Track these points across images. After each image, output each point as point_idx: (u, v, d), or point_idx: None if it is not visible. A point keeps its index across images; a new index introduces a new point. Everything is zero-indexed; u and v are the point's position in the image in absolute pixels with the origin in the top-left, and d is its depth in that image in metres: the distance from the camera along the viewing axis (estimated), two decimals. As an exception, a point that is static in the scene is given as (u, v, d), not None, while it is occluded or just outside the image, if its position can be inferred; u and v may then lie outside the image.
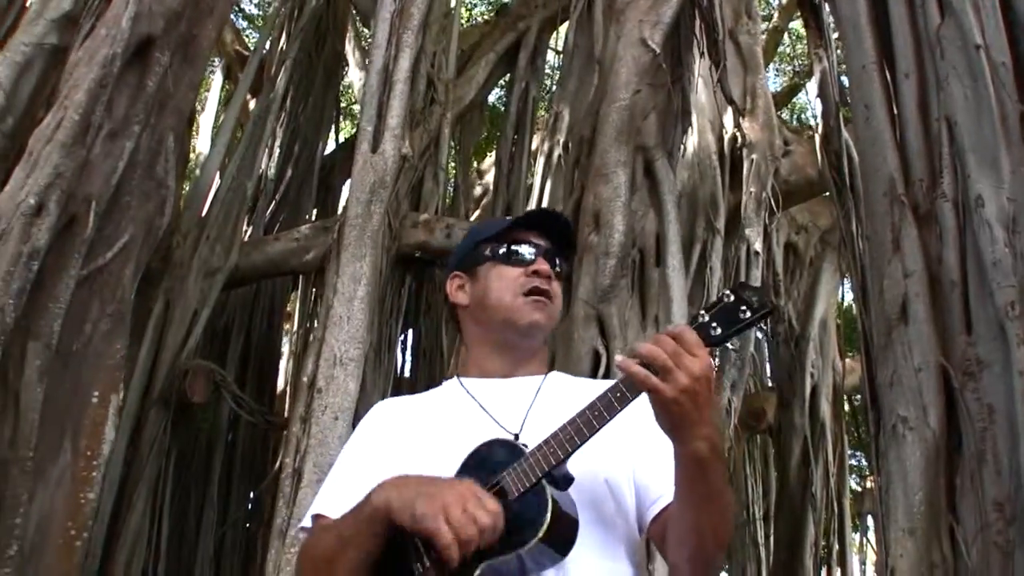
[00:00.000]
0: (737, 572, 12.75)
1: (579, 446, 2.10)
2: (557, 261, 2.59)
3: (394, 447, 2.44)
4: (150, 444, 8.31)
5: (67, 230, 5.79)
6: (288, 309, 12.34)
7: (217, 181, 9.88)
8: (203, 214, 9.29)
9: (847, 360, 12.50)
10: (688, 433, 2.01)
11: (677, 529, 2.21)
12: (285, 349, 12.32)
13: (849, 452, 13.28)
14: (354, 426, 3.44)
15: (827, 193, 8.62)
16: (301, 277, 10.46)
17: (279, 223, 10.75)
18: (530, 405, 2.43)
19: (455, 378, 2.63)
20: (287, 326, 12.43)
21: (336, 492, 2.41)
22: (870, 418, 5.19)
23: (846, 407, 13.20)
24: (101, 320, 5.90)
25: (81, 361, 5.79)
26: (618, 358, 2.09)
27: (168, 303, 8.52)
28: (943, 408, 4.53)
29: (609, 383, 2.60)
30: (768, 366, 12.99)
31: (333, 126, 12.54)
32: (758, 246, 8.27)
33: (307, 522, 2.44)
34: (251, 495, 10.16)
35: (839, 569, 12.28)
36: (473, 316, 2.61)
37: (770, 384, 12.64)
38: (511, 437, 2.30)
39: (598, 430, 2.09)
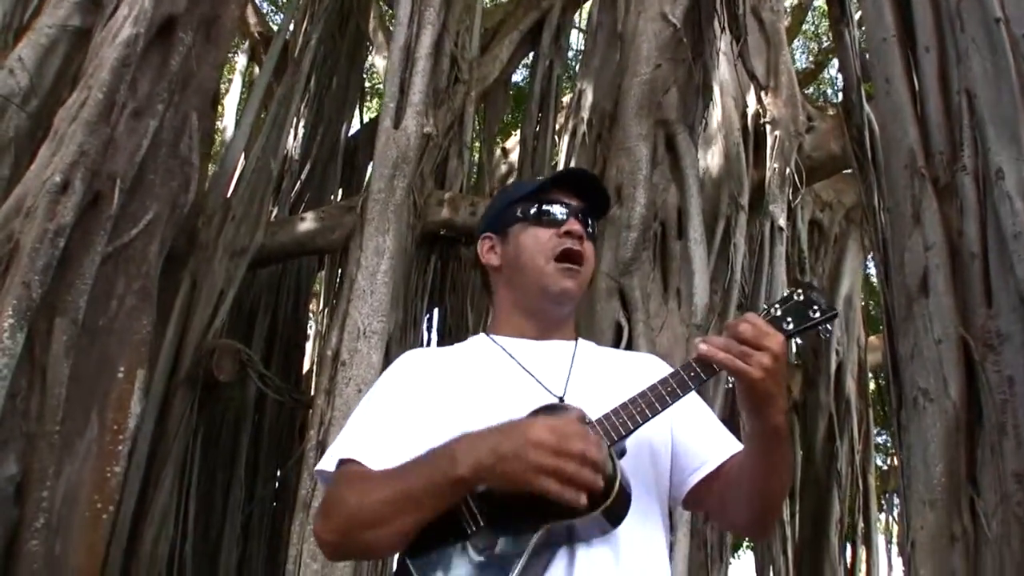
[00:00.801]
0: (763, 549, 12.74)
1: (648, 419, 2.11)
2: (590, 221, 2.54)
3: (433, 398, 2.33)
4: (177, 423, 8.36)
5: (92, 207, 5.84)
6: (315, 289, 12.39)
7: (242, 162, 9.91)
8: (228, 195, 9.32)
9: (872, 338, 12.46)
10: (769, 409, 2.06)
11: (746, 494, 2.26)
12: (311, 329, 12.37)
13: (875, 431, 13.24)
14: None
15: (851, 170, 8.62)
16: (327, 256, 10.50)
17: (304, 203, 10.78)
18: (569, 368, 2.39)
19: (484, 335, 2.57)
20: (313, 307, 12.48)
21: (371, 438, 2.27)
22: (891, 391, 5.18)
23: (871, 385, 13.15)
24: (127, 296, 5.95)
25: (107, 336, 5.85)
26: (701, 346, 2.06)
27: (194, 283, 8.56)
28: (963, 380, 4.52)
29: (636, 355, 2.65)
30: (793, 343, 12.94)
31: (358, 106, 12.54)
32: (782, 222, 8.25)
33: (328, 464, 2.30)
34: (278, 473, 10.20)
35: (864, 547, 12.26)
36: (504, 278, 2.55)
37: (795, 361, 12.61)
38: (556, 400, 2.27)
39: (669, 406, 2.11)
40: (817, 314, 2.12)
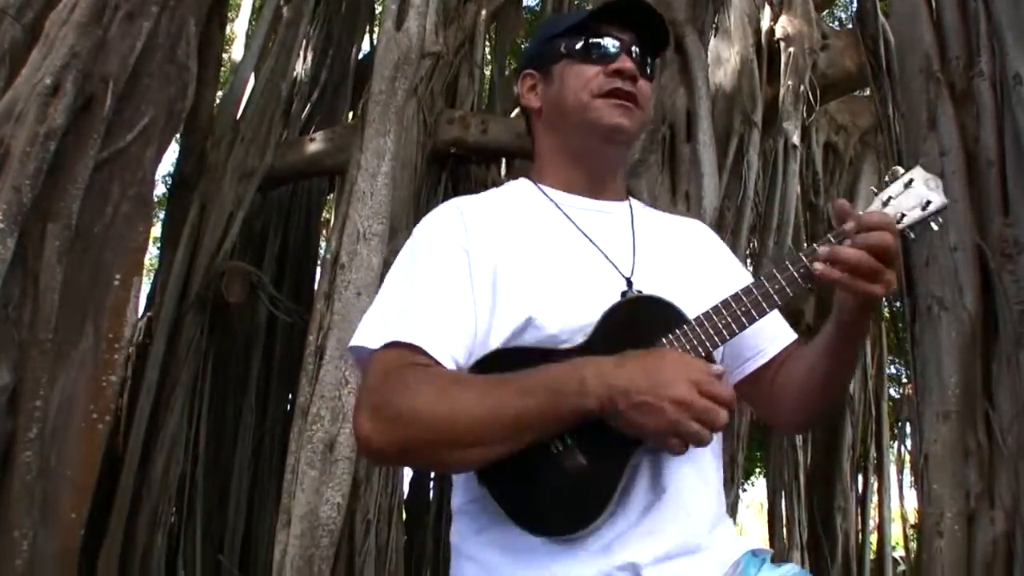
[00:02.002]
0: (775, 475, 12.76)
1: (746, 327, 1.94)
2: (646, 59, 2.26)
3: (495, 269, 2.06)
4: (187, 346, 8.39)
5: (84, 111, 5.76)
6: (326, 214, 12.36)
7: (252, 84, 9.86)
8: (238, 117, 9.28)
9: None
10: (867, 315, 1.95)
11: (806, 390, 2.14)
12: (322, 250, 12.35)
13: (888, 359, 13.21)
14: None
15: (866, 91, 8.52)
16: (337, 177, 10.44)
17: (315, 126, 10.70)
18: (632, 241, 2.18)
19: (529, 182, 2.32)
20: (325, 231, 12.44)
21: (434, 322, 1.98)
22: (906, 303, 5.13)
23: (885, 312, 13.10)
24: (122, 202, 5.88)
25: (102, 243, 5.78)
26: (818, 266, 1.84)
27: (204, 206, 8.56)
28: (979, 290, 4.47)
29: (687, 224, 2.47)
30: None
31: (368, 28, 12.43)
32: (796, 140, 8.18)
33: (371, 340, 2.00)
34: (289, 397, 10.20)
35: (876, 475, 12.27)
36: (547, 122, 2.29)
37: (808, 286, 12.56)
38: (623, 281, 2.07)
39: (767, 313, 1.95)
40: (931, 206, 1.91)
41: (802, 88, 8.06)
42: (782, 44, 8.17)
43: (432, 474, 10.05)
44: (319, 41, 11.18)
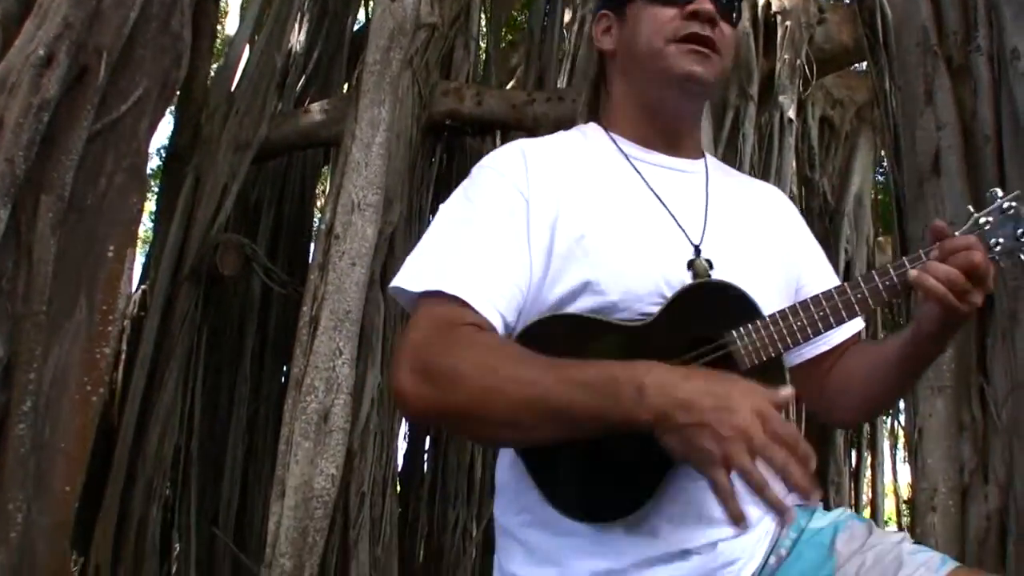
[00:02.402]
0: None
1: (821, 333, 1.91)
2: (725, 1, 2.10)
3: (557, 222, 1.96)
4: (182, 319, 8.38)
5: (78, 82, 5.69)
6: (320, 188, 12.33)
7: (246, 56, 9.82)
8: (232, 89, 9.25)
9: (881, 238, 12.39)
10: (950, 335, 1.93)
11: (865, 391, 2.13)
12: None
13: (882, 334, 13.22)
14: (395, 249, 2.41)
15: (863, 65, 8.50)
16: (332, 149, 10.42)
17: (310, 98, 10.66)
18: (705, 206, 2.08)
19: (601, 130, 2.20)
20: (319, 203, 12.42)
21: (484, 275, 1.89)
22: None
23: (881, 286, 13.11)
24: (116, 174, 5.84)
25: (96, 215, 5.74)
26: (912, 273, 1.83)
27: (198, 179, 8.56)
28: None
29: (764, 189, 2.40)
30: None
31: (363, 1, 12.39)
32: (792, 114, 8.15)
33: (414, 283, 1.92)
34: (284, 369, 10.19)
35: (869, 451, 12.30)
36: (621, 67, 2.17)
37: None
38: (691, 249, 1.97)
39: (845, 322, 1.92)
40: None
41: (798, 62, 8.04)
42: (779, 18, 8.14)
43: (427, 447, 10.08)
44: (314, 12, 11.11)
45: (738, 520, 1.56)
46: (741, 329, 1.86)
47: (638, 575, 1.87)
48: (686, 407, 1.60)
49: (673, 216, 2.02)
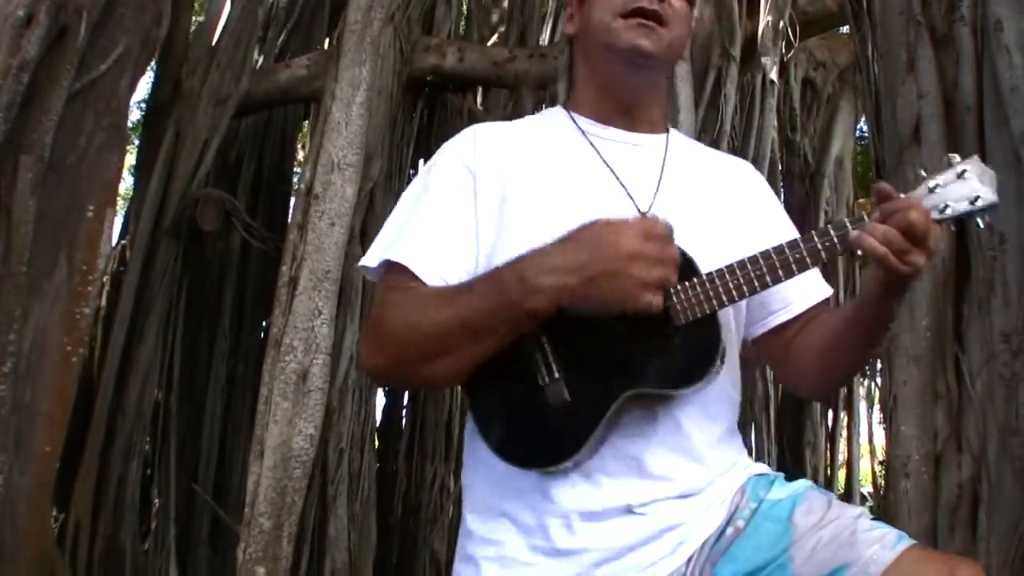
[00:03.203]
0: (744, 408, 12.80)
1: (757, 292, 1.94)
2: None
3: (504, 195, 2.10)
4: (161, 274, 8.34)
5: (58, 42, 5.69)
6: (300, 143, 12.28)
7: (227, 10, 9.73)
8: (213, 43, 9.18)
9: (861, 200, 12.40)
10: (897, 297, 1.95)
11: (824, 358, 2.15)
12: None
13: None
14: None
15: (846, 28, 8.48)
16: (312, 104, 10.37)
17: (291, 53, 10.60)
18: (660, 177, 2.16)
19: (563, 111, 2.30)
20: (300, 158, 12.36)
21: (428, 243, 2.04)
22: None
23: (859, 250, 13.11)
24: (96, 133, 5.83)
25: (75, 175, 5.74)
26: (852, 234, 1.86)
27: (178, 133, 8.48)
28: (953, 234, 4.50)
29: (730, 161, 2.45)
30: (782, 202, 12.89)
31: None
32: (774, 76, 8.14)
33: (372, 259, 2.10)
34: (264, 324, 10.18)
35: (845, 411, 12.34)
36: (581, 48, 2.27)
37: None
38: (638, 214, 2.05)
39: (795, 275, 1.94)
40: (979, 202, 1.89)
41: (782, 24, 8.02)
42: (762, -21, 8.12)
43: (406, 403, 10.10)
44: (295, -35, 11.05)
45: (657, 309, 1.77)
46: (678, 286, 1.89)
47: (584, 527, 1.95)
48: (574, 270, 1.77)
49: (624, 186, 2.12)
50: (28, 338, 5.46)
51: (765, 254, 1.92)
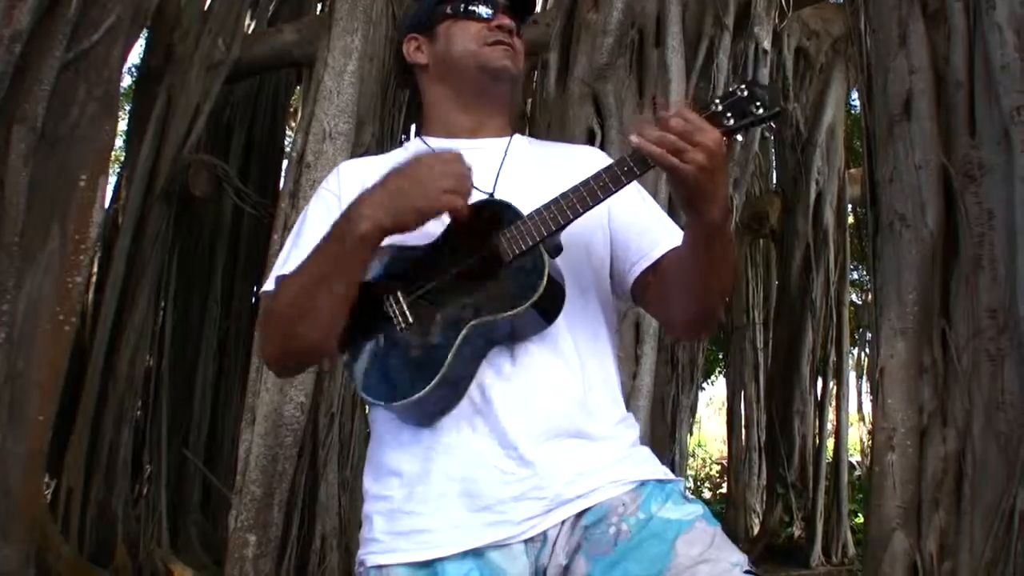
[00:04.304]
0: (735, 375, 12.91)
1: (580, 215, 2.07)
2: (517, 20, 2.49)
3: None
4: (153, 240, 8.36)
5: (50, 12, 5.67)
6: (293, 103, 12.26)
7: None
8: (206, 8, 9.15)
9: (852, 170, 12.41)
10: (705, 205, 1.98)
11: (683, 290, 2.22)
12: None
13: (851, 266, 13.26)
14: None
15: (840, -1, 8.46)
16: (304, 70, 10.35)
17: (282, 18, 10.57)
18: (500, 164, 2.36)
19: (417, 138, 2.53)
20: (292, 123, 12.34)
21: (303, 253, 2.22)
22: (869, 216, 5.17)
23: (850, 218, 13.14)
24: (88, 103, 5.82)
25: (68, 145, 5.74)
26: (633, 138, 1.97)
27: (170, 98, 8.47)
28: (942, 209, 4.52)
29: (575, 147, 2.65)
30: (774, 171, 12.92)
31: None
32: (767, 45, 8.10)
33: (270, 285, 2.31)
34: (254, 290, 10.21)
35: (835, 380, 12.38)
36: (436, 74, 2.48)
37: (775, 188, 12.57)
38: (485, 196, 2.23)
39: (602, 201, 2.07)
40: (760, 110, 2.01)
41: (775, -7, 8.02)
42: (756, -52, 8.10)
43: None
44: (288, -71, 11.01)
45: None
46: (504, 231, 2.10)
47: (466, 475, 2.10)
48: (386, 194, 2.04)
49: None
50: (21, 308, 5.46)
51: (574, 188, 2.08)
